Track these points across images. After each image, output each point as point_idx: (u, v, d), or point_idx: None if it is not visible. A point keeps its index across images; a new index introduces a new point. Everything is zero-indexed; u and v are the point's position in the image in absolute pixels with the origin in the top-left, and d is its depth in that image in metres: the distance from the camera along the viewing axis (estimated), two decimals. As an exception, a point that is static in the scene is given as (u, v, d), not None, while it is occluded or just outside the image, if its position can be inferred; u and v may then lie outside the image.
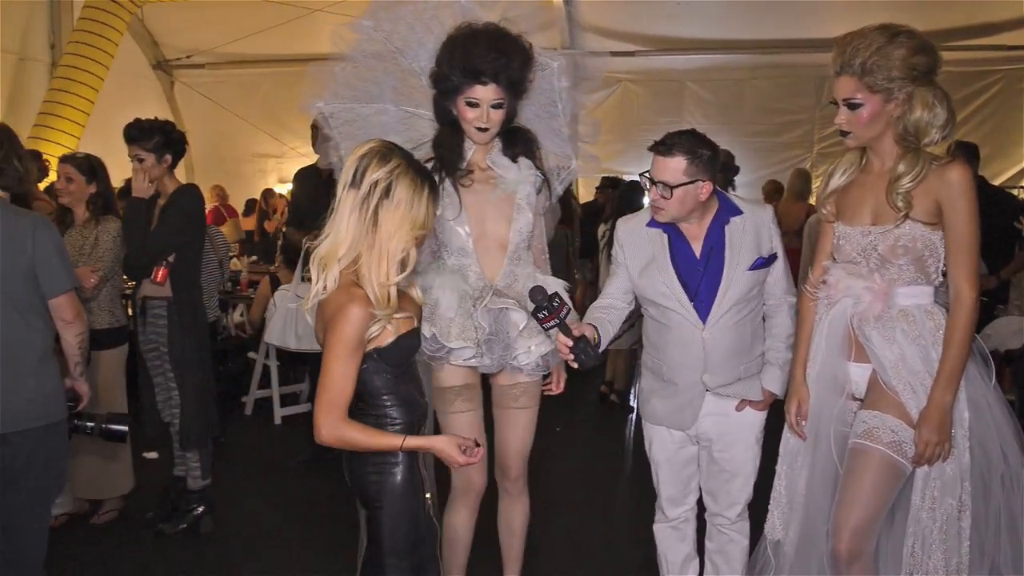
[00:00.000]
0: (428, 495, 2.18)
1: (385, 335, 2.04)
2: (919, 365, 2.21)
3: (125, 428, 2.97)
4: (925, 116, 2.17)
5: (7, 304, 2.66)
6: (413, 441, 2.05)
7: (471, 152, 2.71)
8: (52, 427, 2.74)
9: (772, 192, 7.69)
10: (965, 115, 8.54)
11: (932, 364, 2.20)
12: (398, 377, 2.10)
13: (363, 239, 2.01)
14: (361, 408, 2.08)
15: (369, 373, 2.05)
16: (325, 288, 2.02)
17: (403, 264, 2.04)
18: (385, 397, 2.09)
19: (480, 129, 2.62)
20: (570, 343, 2.31)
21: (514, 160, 2.71)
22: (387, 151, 2.04)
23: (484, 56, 2.51)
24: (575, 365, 2.35)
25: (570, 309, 2.35)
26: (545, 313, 2.30)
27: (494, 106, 2.59)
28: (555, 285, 2.75)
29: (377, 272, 2.00)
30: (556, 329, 2.32)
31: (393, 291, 2.02)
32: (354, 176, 2.01)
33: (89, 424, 2.95)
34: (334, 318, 1.98)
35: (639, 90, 9.86)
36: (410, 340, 2.12)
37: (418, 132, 2.83)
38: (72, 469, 3.81)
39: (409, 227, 2.01)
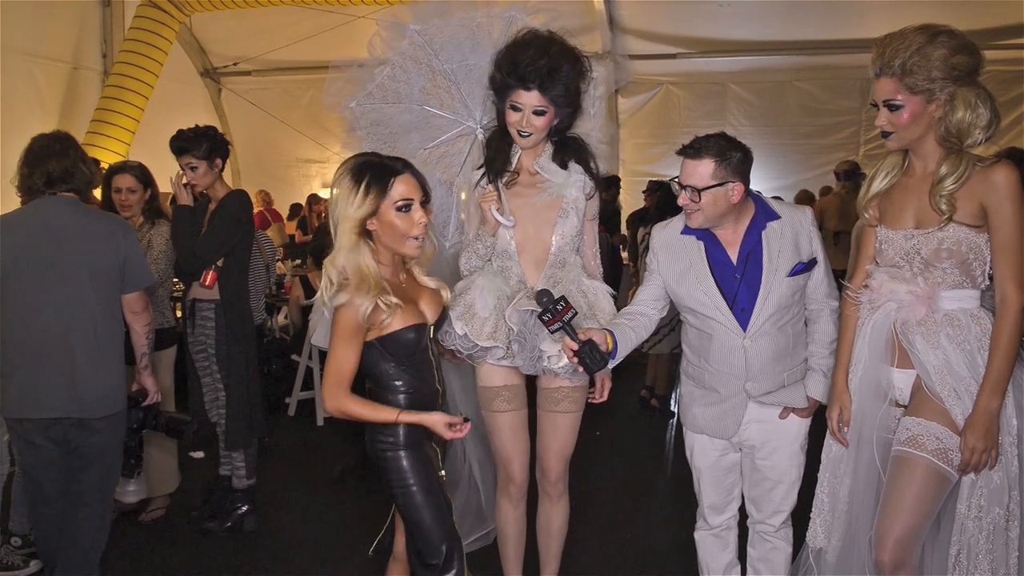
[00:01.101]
0: (442, 472, 2.38)
1: (390, 326, 2.25)
2: (965, 371, 2.17)
3: (184, 425, 3.28)
4: (967, 117, 2.14)
5: (99, 296, 2.86)
6: (407, 416, 2.26)
7: (518, 156, 2.74)
8: (120, 415, 2.94)
9: (804, 201, 7.66)
10: (1013, 118, 8.30)
11: (978, 369, 2.16)
12: (404, 366, 2.31)
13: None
14: (374, 391, 2.34)
15: (375, 359, 2.29)
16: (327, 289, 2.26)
17: (365, 255, 2.23)
18: (394, 383, 2.32)
19: (521, 133, 2.65)
20: (575, 347, 2.34)
21: (563, 167, 2.74)
22: (347, 160, 2.29)
23: (531, 62, 2.56)
24: (580, 369, 2.39)
25: (576, 313, 2.39)
26: (549, 316, 2.36)
27: (536, 112, 2.62)
28: (600, 291, 2.76)
29: (337, 260, 2.23)
30: (561, 332, 2.37)
31: (369, 273, 2.21)
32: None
33: (156, 420, 3.18)
34: (334, 310, 2.24)
35: (681, 93, 9.81)
36: (408, 333, 2.29)
37: (436, 129, 2.92)
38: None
39: (349, 215, 2.21)
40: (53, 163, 2.89)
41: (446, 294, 2.43)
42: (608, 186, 6.44)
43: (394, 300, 2.23)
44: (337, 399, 2.24)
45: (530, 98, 2.60)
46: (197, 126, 3.79)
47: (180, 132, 3.74)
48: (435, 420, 2.27)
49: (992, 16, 7.66)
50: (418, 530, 2.28)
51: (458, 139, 2.94)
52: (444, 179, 2.94)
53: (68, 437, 2.84)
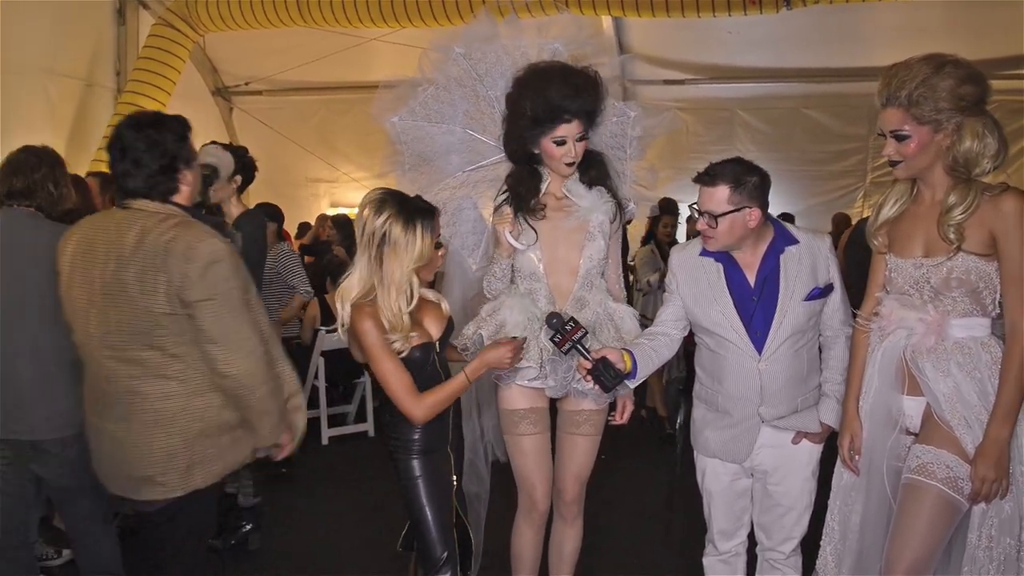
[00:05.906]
0: (455, 477, 2.52)
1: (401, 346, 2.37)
2: (975, 399, 2.17)
3: None
4: (975, 146, 2.14)
5: (41, 311, 2.74)
6: (472, 369, 2.44)
7: (547, 184, 2.76)
8: (76, 438, 2.78)
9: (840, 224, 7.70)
10: (1021, 147, 8.29)
11: (989, 398, 2.15)
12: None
13: (373, 276, 2.38)
14: (389, 417, 2.46)
15: None
16: (347, 315, 2.41)
17: (409, 294, 2.38)
18: None
19: (569, 164, 2.68)
20: (588, 365, 2.38)
21: (590, 187, 2.76)
22: (380, 202, 2.38)
23: (565, 94, 2.59)
24: (596, 387, 2.43)
25: (586, 332, 2.44)
26: (559, 337, 2.41)
27: (578, 139, 2.66)
28: (626, 314, 2.78)
29: (389, 303, 2.35)
30: (574, 352, 2.42)
31: (406, 318, 2.37)
32: (361, 228, 2.39)
33: None
34: (358, 338, 2.38)
35: (689, 118, 9.81)
36: (415, 352, 2.40)
37: (477, 154, 2.93)
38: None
39: (408, 262, 2.36)
40: (19, 178, 2.84)
41: (446, 306, 2.53)
42: (665, 212, 6.34)
43: (416, 333, 2.41)
44: (421, 405, 2.37)
45: (571, 128, 2.63)
46: (231, 144, 3.86)
47: (214, 142, 3.82)
48: (493, 357, 2.44)
49: (999, 46, 7.69)
50: (419, 529, 2.45)
51: (498, 165, 2.93)
52: (480, 204, 2.95)
53: (22, 461, 2.78)
